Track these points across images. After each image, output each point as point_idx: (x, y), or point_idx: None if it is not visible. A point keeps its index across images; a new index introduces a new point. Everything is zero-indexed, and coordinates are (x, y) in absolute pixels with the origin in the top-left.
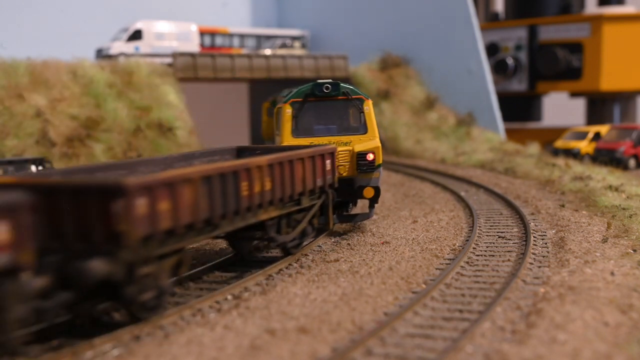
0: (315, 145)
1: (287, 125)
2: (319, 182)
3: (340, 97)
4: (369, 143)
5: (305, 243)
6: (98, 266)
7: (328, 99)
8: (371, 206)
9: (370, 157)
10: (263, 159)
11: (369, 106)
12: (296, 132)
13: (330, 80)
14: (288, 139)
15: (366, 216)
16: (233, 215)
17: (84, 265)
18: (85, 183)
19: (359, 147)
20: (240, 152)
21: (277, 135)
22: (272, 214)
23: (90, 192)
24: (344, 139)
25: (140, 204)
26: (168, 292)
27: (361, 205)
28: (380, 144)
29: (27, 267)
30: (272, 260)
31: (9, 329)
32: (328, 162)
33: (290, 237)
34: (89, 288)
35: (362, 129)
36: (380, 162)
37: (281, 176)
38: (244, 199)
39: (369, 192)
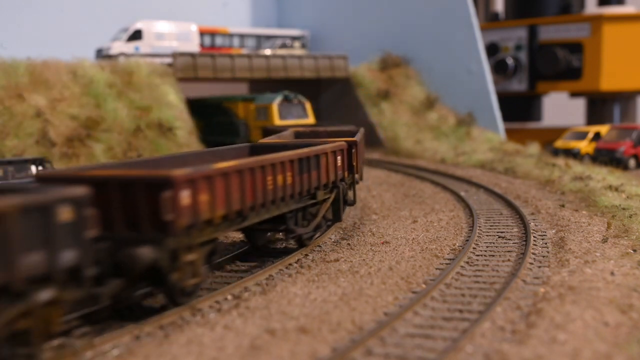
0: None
1: (276, 115)
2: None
3: (296, 101)
4: (311, 120)
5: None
6: None
7: (291, 101)
8: None
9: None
10: None
11: (309, 104)
12: (279, 118)
13: (289, 92)
14: (278, 122)
15: None
16: None
17: None
18: None
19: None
20: None
21: (266, 121)
22: None
23: None
24: (301, 121)
25: None
26: None
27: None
28: (315, 121)
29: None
30: None
31: None
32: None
33: None
34: None
35: (307, 115)
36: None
37: None
38: None
39: None
